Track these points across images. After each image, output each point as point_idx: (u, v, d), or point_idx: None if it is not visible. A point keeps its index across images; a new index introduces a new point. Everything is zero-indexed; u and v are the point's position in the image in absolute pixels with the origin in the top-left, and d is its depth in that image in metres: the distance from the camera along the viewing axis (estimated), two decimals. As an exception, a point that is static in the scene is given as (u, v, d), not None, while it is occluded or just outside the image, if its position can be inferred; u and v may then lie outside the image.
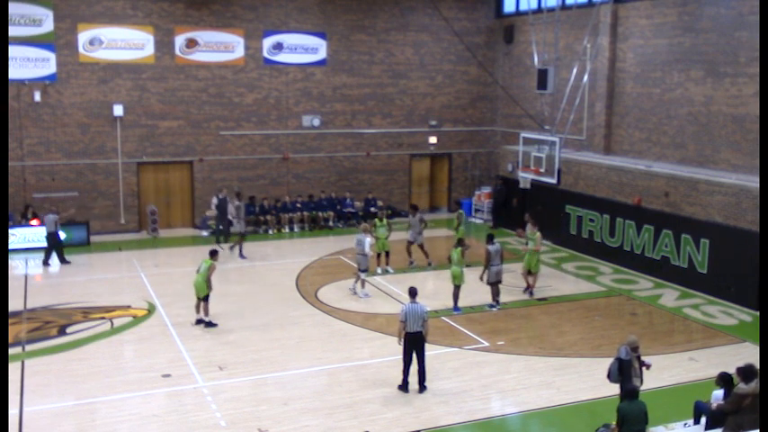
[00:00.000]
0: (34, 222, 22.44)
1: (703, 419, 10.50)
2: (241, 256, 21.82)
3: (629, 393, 9.97)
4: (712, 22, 19.77)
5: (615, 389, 11.10)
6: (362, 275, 18.37)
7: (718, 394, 10.55)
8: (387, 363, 13.89)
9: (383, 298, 18.20)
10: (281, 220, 25.65)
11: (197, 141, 25.26)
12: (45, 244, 21.06)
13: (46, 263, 20.89)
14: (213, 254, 16.23)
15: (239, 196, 22.90)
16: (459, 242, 17.58)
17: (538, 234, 18.28)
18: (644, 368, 11.18)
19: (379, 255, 20.28)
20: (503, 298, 17.88)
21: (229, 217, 24.12)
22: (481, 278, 17.50)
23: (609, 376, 11.06)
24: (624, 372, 10.83)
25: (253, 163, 26.11)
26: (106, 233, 24.17)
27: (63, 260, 21.06)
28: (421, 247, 20.99)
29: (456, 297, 17.17)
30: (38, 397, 12.45)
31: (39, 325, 15.97)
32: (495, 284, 17.45)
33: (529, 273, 18.53)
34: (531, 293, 18.34)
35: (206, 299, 15.85)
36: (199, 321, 15.95)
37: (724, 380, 10.54)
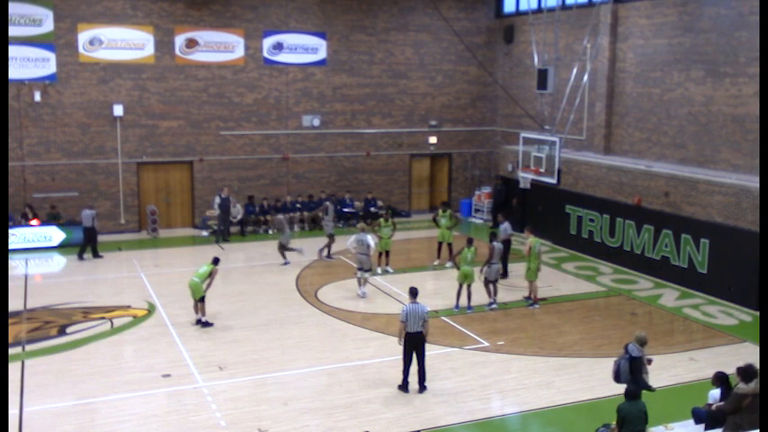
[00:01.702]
0: (34, 222, 22.50)
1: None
2: (329, 257, 21.76)
3: (630, 394, 9.95)
4: (712, 22, 19.77)
5: (615, 388, 11.08)
6: (367, 275, 18.37)
7: (714, 394, 10.56)
8: (387, 363, 13.89)
9: (383, 298, 18.20)
10: (281, 220, 25.60)
11: (197, 141, 25.26)
12: (82, 238, 21.63)
13: (81, 257, 21.37)
14: (216, 261, 16.29)
15: (331, 198, 23.61)
16: (469, 241, 17.45)
17: (530, 239, 17.94)
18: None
19: (380, 254, 20.30)
20: (504, 298, 17.88)
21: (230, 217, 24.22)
22: (481, 271, 17.50)
23: (617, 376, 10.90)
24: (635, 369, 10.75)
25: (253, 163, 26.11)
26: (106, 233, 24.13)
27: (96, 254, 21.61)
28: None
29: (459, 295, 17.14)
30: (38, 397, 12.44)
31: (39, 325, 15.96)
32: (493, 283, 17.46)
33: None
34: (528, 298, 18.01)
35: (201, 300, 15.89)
36: (198, 321, 15.97)
37: (720, 379, 10.55)
